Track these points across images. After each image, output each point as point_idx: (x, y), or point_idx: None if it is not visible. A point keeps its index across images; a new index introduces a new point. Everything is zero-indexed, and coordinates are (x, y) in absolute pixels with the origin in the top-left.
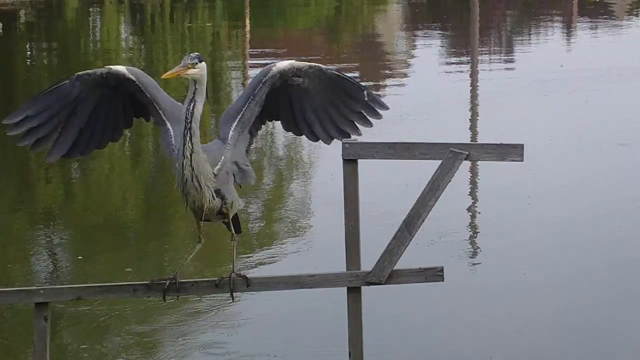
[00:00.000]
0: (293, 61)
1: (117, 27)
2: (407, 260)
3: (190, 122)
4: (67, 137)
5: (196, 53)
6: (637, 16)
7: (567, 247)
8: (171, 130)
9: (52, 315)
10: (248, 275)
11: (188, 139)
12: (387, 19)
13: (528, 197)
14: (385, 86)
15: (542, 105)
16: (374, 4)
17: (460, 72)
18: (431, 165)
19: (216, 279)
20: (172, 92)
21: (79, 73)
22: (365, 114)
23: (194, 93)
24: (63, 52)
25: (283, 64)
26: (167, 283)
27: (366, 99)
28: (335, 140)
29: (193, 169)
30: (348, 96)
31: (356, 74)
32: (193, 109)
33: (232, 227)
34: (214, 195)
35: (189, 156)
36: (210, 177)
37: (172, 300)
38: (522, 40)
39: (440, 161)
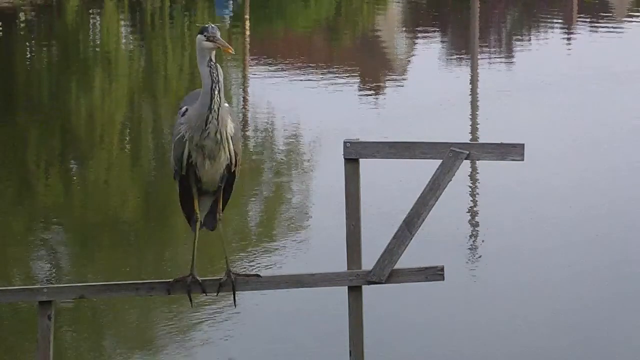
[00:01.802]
0: None
1: (117, 27)
2: (407, 260)
3: (218, 76)
4: None
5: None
6: (637, 16)
7: (567, 247)
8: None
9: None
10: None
11: (217, 92)
12: (387, 19)
13: (528, 197)
14: (385, 86)
15: (542, 105)
16: (374, 4)
17: (460, 71)
18: (432, 165)
19: (218, 277)
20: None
21: None
22: None
23: (215, 58)
24: (63, 51)
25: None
26: (189, 281)
27: None
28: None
29: (218, 123)
30: None
31: (356, 74)
32: (218, 68)
33: (221, 204)
34: (230, 150)
35: (216, 109)
36: (231, 129)
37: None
38: (521, 39)
39: (441, 160)
